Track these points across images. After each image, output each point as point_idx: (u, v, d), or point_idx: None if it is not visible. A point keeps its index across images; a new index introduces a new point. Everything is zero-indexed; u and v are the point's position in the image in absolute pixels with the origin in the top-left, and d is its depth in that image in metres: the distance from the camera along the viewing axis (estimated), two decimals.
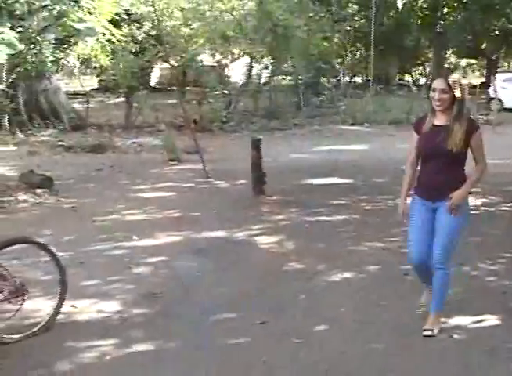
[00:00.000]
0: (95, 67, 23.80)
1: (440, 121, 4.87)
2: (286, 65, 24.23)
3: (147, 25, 22.04)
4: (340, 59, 29.25)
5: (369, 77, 28.00)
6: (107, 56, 19.83)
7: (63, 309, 5.41)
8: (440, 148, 4.76)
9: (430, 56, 37.09)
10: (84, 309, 5.64)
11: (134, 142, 16.30)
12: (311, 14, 22.73)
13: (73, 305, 5.64)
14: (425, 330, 4.99)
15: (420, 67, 39.81)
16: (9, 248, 5.16)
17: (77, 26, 12.60)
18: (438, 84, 4.76)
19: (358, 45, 32.97)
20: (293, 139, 18.03)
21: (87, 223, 8.52)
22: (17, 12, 11.98)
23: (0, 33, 10.51)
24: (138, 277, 6.48)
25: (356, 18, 31.49)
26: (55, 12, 13.31)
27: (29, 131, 17.61)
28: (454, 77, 4.77)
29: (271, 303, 5.72)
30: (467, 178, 4.88)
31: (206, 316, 5.44)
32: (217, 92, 21.62)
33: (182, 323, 5.34)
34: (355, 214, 9.01)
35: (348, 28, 28.10)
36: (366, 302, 5.74)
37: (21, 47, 13.07)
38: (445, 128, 4.80)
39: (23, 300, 5.15)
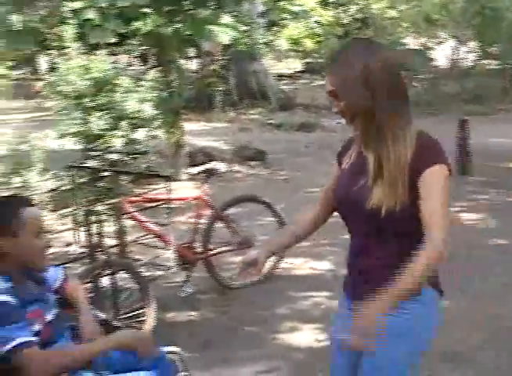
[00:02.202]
0: (298, 51, 24.52)
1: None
2: (493, 48, 23.59)
3: (353, 8, 22.37)
4: None
5: None
6: (313, 38, 20.36)
7: (282, 265, 6.03)
8: (356, 204, 2.44)
9: None
10: (299, 266, 6.23)
11: (338, 123, 16.74)
12: None
13: (291, 262, 6.23)
14: None
15: None
16: (238, 205, 5.86)
17: (294, 9, 13.15)
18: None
19: None
20: (498, 123, 17.66)
21: (298, 193, 9.11)
22: None
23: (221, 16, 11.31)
24: (346, 243, 6.92)
25: None
26: None
27: (239, 110, 18.59)
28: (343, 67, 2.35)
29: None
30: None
31: None
32: (421, 76, 21.57)
33: None
34: None
35: None
36: None
37: (239, 29, 13.93)
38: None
39: None
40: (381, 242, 2.43)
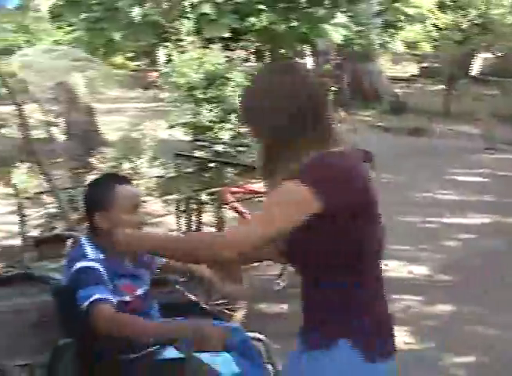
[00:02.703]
0: (415, 54, 24.13)
1: None
2: None
3: (473, 13, 21.79)
4: None
5: None
6: (430, 42, 19.98)
7: None
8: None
9: None
10: (395, 269, 6.19)
11: (450, 129, 16.44)
12: None
13: (386, 264, 6.21)
14: None
15: None
16: None
17: (409, 11, 13.01)
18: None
19: None
20: None
21: (399, 197, 9.02)
22: None
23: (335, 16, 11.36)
24: (446, 249, 6.87)
25: None
26: None
27: (350, 111, 18.51)
28: None
29: None
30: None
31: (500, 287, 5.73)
32: None
33: (478, 291, 5.68)
34: None
35: None
36: None
37: (354, 29, 13.92)
38: None
39: None
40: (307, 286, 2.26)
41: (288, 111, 1.99)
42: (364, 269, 2.08)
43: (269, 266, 5.50)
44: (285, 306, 5.35)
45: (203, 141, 8.71)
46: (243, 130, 9.17)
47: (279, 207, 1.94)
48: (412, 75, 26.18)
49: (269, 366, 3.04)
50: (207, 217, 5.47)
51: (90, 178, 5.99)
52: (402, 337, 4.79)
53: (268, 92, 2.02)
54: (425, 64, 24.72)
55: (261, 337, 3.12)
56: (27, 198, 7.02)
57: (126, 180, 2.94)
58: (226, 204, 5.33)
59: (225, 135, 8.76)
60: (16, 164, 7.92)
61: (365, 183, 2.08)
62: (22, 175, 7.65)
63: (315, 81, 2.09)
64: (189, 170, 7.80)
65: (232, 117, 8.80)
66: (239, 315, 4.70)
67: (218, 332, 2.61)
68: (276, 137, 2.01)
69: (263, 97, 2.02)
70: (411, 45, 21.50)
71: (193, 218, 4.89)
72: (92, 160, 6.38)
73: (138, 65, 22.74)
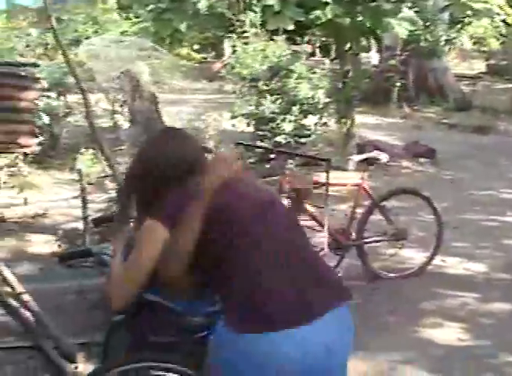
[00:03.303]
0: (483, 51, 23.68)
1: None
2: None
3: None
4: None
5: None
6: (498, 39, 19.57)
7: (434, 262, 5.98)
8: None
9: None
10: (452, 265, 6.15)
11: None
12: None
13: (443, 260, 6.16)
14: None
15: None
16: (398, 197, 5.89)
17: (476, 6, 12.77)
18: None
19: None
20: None
21: (463, 194, 8.93)
22: None
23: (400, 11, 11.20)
24: (506, 248, 6.75)
25: None
26: None
27: (415, 107, 18.31)
28: None
29: None
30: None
31: None
32: None
33: None
34: None
35: None
36: None
37: (420, 24, 13.74)
38: None
39: (402, 245, 5.82)
40: None
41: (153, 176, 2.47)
42: (238, 262, 2.28)
43: (326, 257, 5.51)
44: None
45: (265, 132, 8.81)
46: (305, 122, 9.23)
47: (139, 247, 2.35)
48: (479, 72, 25.73)
49: None
50: None
51: None
52: (456, 333, 4.77)
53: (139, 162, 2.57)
54: (492, 61, 24.25)
55: None
56: (91, 184, 7.19)
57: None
58: (283, 193, 5.36)
59: (288, 127, 8.80)
60: (81, 151, 8.10)
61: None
62: (86, 161, 7.84)
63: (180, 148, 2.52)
64: (251, 160, 7.89)
65: (295, 108, 8.83)
66: None
67: None
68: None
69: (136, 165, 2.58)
70: (478, 41, 21.07)
71: None
72: None
73: (205, 57, 22.92)
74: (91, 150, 8.27)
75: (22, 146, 5.85)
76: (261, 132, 8.42)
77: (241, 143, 5.97)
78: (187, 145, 2.56)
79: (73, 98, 10.45)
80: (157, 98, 7.80)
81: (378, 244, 5.94)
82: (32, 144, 5.87)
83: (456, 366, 4.24)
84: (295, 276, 2.30)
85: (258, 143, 8.56)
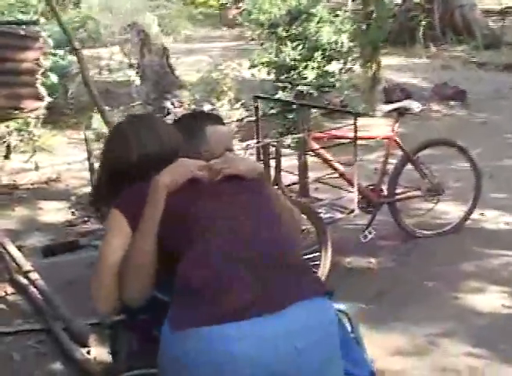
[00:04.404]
0: None
1: None
2: None
3: None
4: None
5: None
6: None
7: (472, 216, 5.57)
8: None
9: None
10: (492, 219, 5.72)
11: None
12: None
13: (482, 214, 5.74)
14: None
15: None
16: (429, 149, 5.45)
17: None
18: None
19: None
20: None
21: (497, 139, 8.43)
22: None
23: None
24: None
25: None
26: None
27: (442, 46, 17.69)
28: None
29: None
30: None
31: None
32: None
33: None
34: None
35: None
36: None
37: None
38: None
39: (438, 200, 5.42)
40: None
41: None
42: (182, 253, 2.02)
43: (356, 216, 5.13)
44: (373, 260, 4.99)
45: (287, 81, 8.35)
46: (328, 69, 8.74)
47: (104, 238, 2.16)
48: (507, 7, 24.83)
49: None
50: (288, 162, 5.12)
51: None
52: (500, 299, 4.38)
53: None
54: None
55: (343, 307, 2.75)
56: None
57: (219, 120, 2.59)
58: (311, 150, 4.98)
59: (310, 75, 8.32)
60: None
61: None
62: (100, 121, 7.49)
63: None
64: (273, 111, 7.47)
65: (317, 54, 8.34)
66: (322, 272, 4.38)
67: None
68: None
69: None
70: None
71: (272, 164, 4.52)
72: (167, 104, 6.06)
73: (224, 3, 22.23)
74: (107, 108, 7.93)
75: (27, 111, 5.48)
76: (281, 83, 7.96)
77: (259, 97, 5.56)
78: (157, 137, 2.29)
79: (86, 53, 10.05)
80: (168, 51, 7.35)
81: (412, 199, 5.53)
82: (37, 107, 5.50)
83: (500, 339, 3.86)
84: (254, 265, 1.96)
85: (280, 93, 8.12)
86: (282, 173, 4.59)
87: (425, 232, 5.36)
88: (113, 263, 2.08)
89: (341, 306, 2.74)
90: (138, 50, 6.35)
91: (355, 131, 4.64)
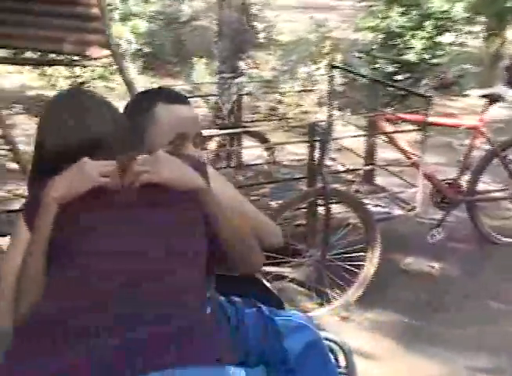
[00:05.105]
0: None
1: None
2: None
3: None
4: None
5: None
6: None
7: None
8: None
9: None
10: None
11: None
12: None
13: None
14: None
15: None
16: None
17: None
18: None
19: None
20: None
21: None
22: None
23: None
24: None
25: None
26: None
27: None
28: None
29: None
30: None
31: None
32: None
33: None
34: None
35: None
36: None
37: None
38: None
39: None
40: None
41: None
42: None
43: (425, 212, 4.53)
44: (436, 265, 4.38)
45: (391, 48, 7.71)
46: (440, 40, 7.97)
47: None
48: None
49: None
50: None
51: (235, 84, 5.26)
52: None
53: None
54: None
55: (337, 339, 2.25)
56: None
57: (177, 98, 2.07)
58: (382, 133, 4.44)
59: (418, 45, 7.61)
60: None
61: None
62: (201, 71, 7.28)
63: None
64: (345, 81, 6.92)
65: (428, 23, 7.60)
66: (366, 273, 3.83)
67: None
68: None
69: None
70: None
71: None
72: (241, 64, 5.58)
73: None
74: (203, 60, 7.60)
75: (92, 59, 5.16)
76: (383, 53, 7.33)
77: (337, 67, 5.01)
78: (80, 123, 1.77)
79: None
80: (249, 6, 6.78)
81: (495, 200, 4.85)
82: (105, 55, 5.16)
83: None
84: (121, 314, 1.48)
85: (380, 62, 7.47)
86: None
87: (506, 239, 4.67)
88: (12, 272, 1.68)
89: (333, 337, 2.26)
90: (217, 3, 5.91)
91: (426, 117, 4.02)
